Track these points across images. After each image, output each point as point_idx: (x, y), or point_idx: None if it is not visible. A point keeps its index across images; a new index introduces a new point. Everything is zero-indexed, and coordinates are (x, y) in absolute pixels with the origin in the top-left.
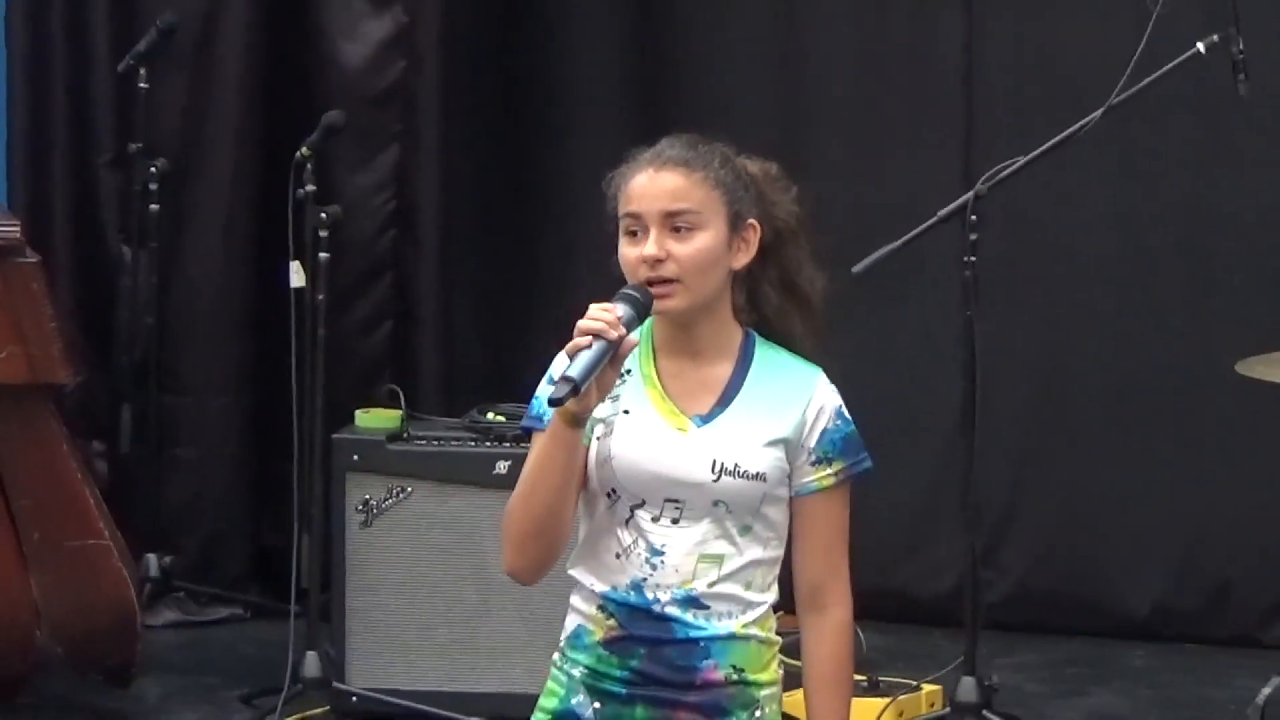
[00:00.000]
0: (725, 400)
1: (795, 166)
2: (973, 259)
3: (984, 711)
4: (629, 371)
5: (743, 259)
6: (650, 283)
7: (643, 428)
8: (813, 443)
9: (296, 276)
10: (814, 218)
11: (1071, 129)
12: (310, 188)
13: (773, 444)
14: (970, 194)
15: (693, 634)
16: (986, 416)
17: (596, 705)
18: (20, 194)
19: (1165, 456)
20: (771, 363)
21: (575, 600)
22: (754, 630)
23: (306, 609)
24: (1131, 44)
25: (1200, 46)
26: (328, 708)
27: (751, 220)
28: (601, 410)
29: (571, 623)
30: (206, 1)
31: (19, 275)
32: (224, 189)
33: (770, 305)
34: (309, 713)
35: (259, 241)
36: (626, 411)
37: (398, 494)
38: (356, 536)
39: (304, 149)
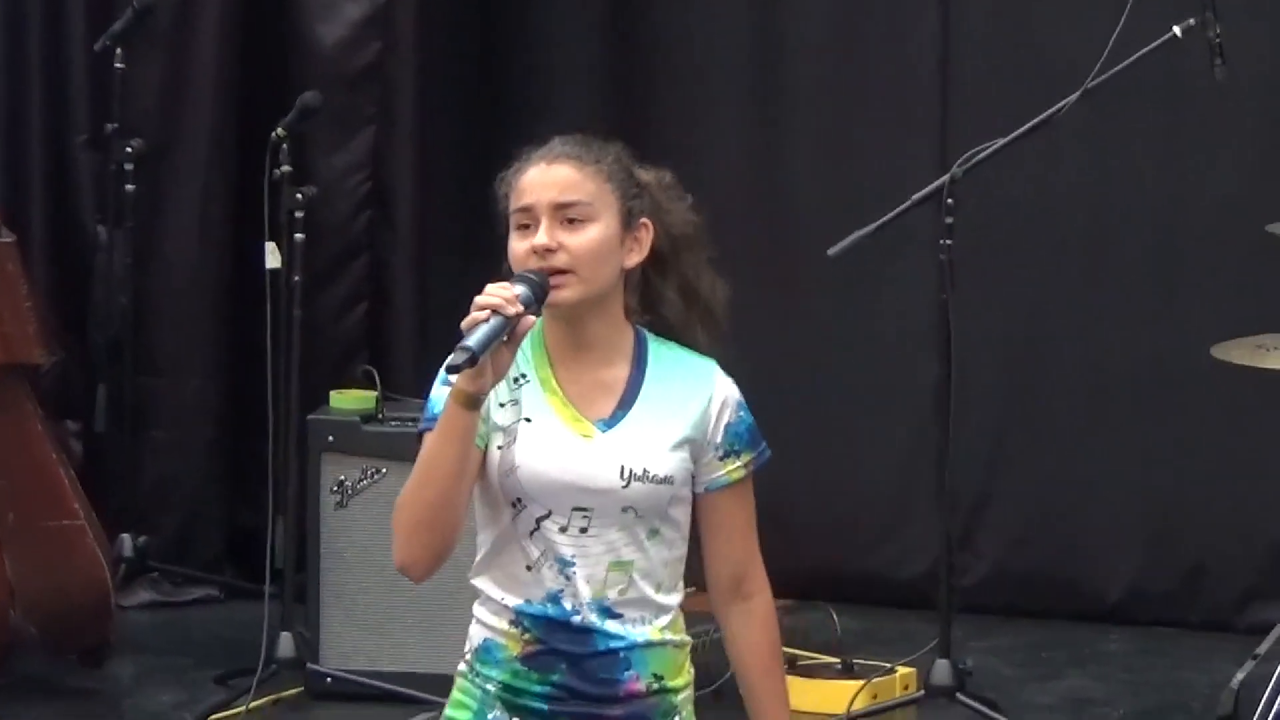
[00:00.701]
0: (626, 403)
1: (771, 149)
2: (948, 242)
3: (958, 694)
4: (525, 377)
5: (634, 258)
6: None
7: (547, 435)
8: (719, 438)
9: (272, 257)
10: (710, 227)
11: (1047, 112)
12: (286, 169)
13: (678, 445)
14: (946, 177)
15: (613, 644)
16: (961, 400)
17: None
18: None
19: (1140, 440)
20: (667, 360)
21: (481, 613)
22: (669, 635)
23: (281, 590)
24: (1108, 27)
25: (1177, 30)
26: (302, 688)
27: (644, 220)
28: (502, 418)
29: (478, 635)
30: None
31: None
32: (200, 170)
33: (674, 311)
34: (283, 693)
35: (235, 222)
36: (528, 419)
37: (372, 475)
38: (331, 517)
39: (279, 130)
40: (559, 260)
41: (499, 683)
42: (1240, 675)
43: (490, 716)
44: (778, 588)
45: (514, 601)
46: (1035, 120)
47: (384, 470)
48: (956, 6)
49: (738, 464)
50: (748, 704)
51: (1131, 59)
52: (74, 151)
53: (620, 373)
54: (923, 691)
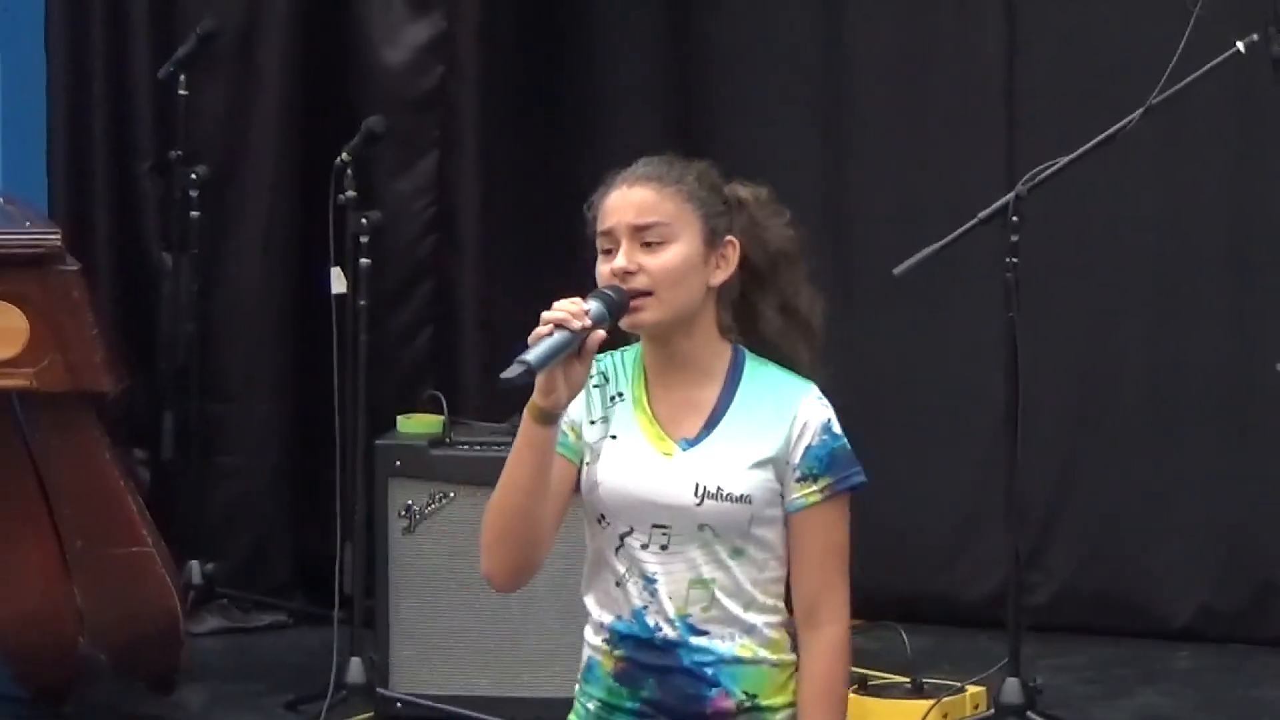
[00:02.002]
0: (712, 423)
1: (836, 167)
2: (1014, 260)
3: (1028, 713)
4: (621, 395)
5: (720, 276)
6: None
7: (628, 453)
8: (797, 459)
9: (338, 283)
10: (807, 241)
11: (1111, 129)
12: (351, 193)
13: (759, 465)
14: (1011, 195)
15: (697, 659)
16: (1030, 418)
17: None
18: (61, 201)
19: (1209, 457)
20: (761, 380)
21: (586, 631)
22: (764, 654)
23: (350, 615)
24: (1172, 43)
25: (1240, 45)
26: (372, 714)
27: (730, 238)
28: (591, 435)
29: (585, 655)
30: (246, 7)
31: (60, 283)
32: (264, 195)
33: (772, 328)
34: (353, 719)
35: (300, 248)
36: (614, 436)
37: (440, 499)
38: (399, 542)
39: (344, 154)
40: (638, 282)
41: (598, 700)
42: None
43: None
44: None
45: (607, 618)
46: (1099, 138)
47: (452, 495)
48: (1023, 24)
49: (814, 488)
50: None
51: (1194, 75)
52: (139, 178)
53: (711, 393)
54: (993, 710)
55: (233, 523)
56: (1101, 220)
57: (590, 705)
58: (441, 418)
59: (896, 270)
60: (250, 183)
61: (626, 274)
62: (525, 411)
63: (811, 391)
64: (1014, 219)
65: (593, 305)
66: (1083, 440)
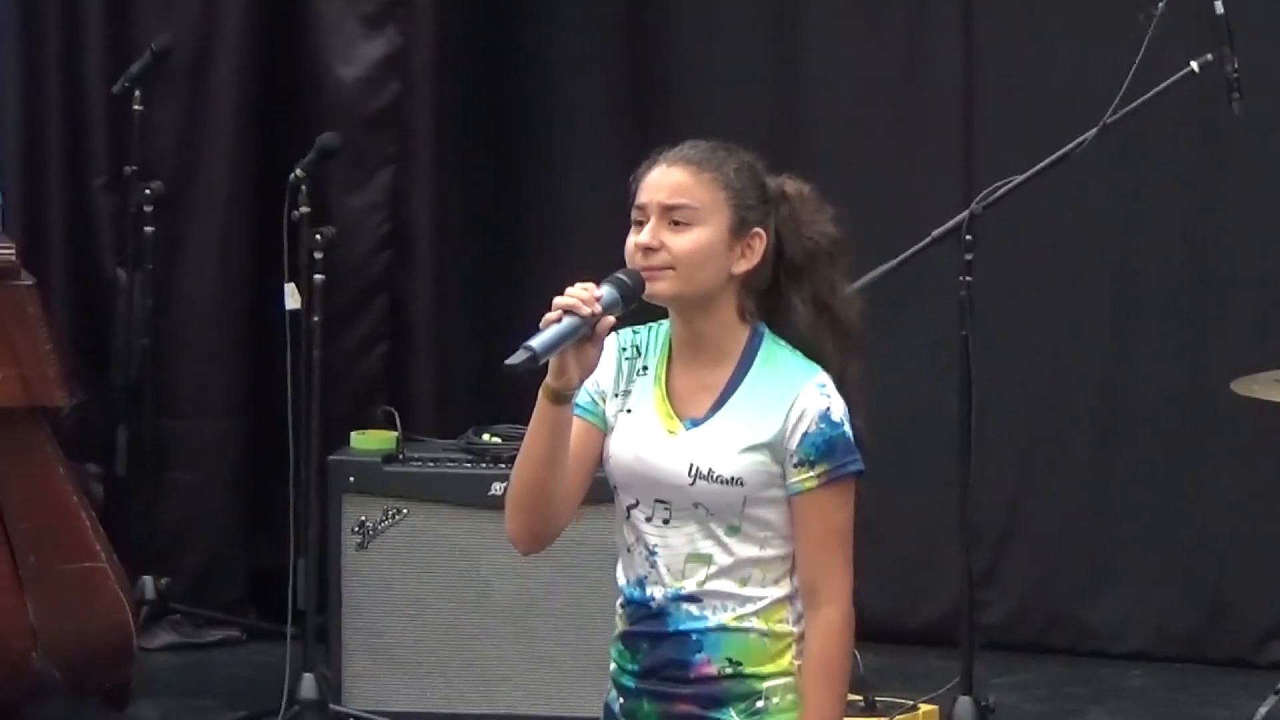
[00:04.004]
0: (719, 403)
1: None
2: (968, 279)
3: None
4: (646, 369)
5: (744, 265)
6: (643, 275)
7: (638, 428)
8: (794, 445)
9: (292, 299)
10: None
11: (1066, 148)
12: (305, 209)
13: (752, 449)
14: (965, 214)
15: (684, 627)
16: (984, 436)
17: (621, 700)
18: (15, 216)
19: (1163, 476)
20: (773, 363)
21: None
22: (752, 623)
23: (303, 631)
24: (1127, 63)
25: (1194, 65)
26: None
27: (758, 230)
28: (613, 407)
29: None
30: (201, 24)
31: (14, 298)
32: (219, 211)
33: (802, 320)
34: None
35: (254, 264)
36: (629, 411)
37: (393, 515)
38: (353, 558)
39: (299, 171)
40: (659, 259)
41: (614, 663)
42: (1263, 710)
43: (610, 696)
44: None
45: (621, 582)
46: (1054, 156)
47: (405, 510)
48: (979, 43)
49: (810, 474)
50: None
51: (1149, 94)
52: (93, 194)
53: (724, 374)
54: None
55: (186, 538)
56: (1056, 239)
57: (612, 665)
58: (395, 434)
59: (851, 287)
60: (204, 199)
61: (649, 250)
62: (540, 391)
63: (815, 378)
64: (968, 237)
65: (604, 291)
66: (1037, 459)
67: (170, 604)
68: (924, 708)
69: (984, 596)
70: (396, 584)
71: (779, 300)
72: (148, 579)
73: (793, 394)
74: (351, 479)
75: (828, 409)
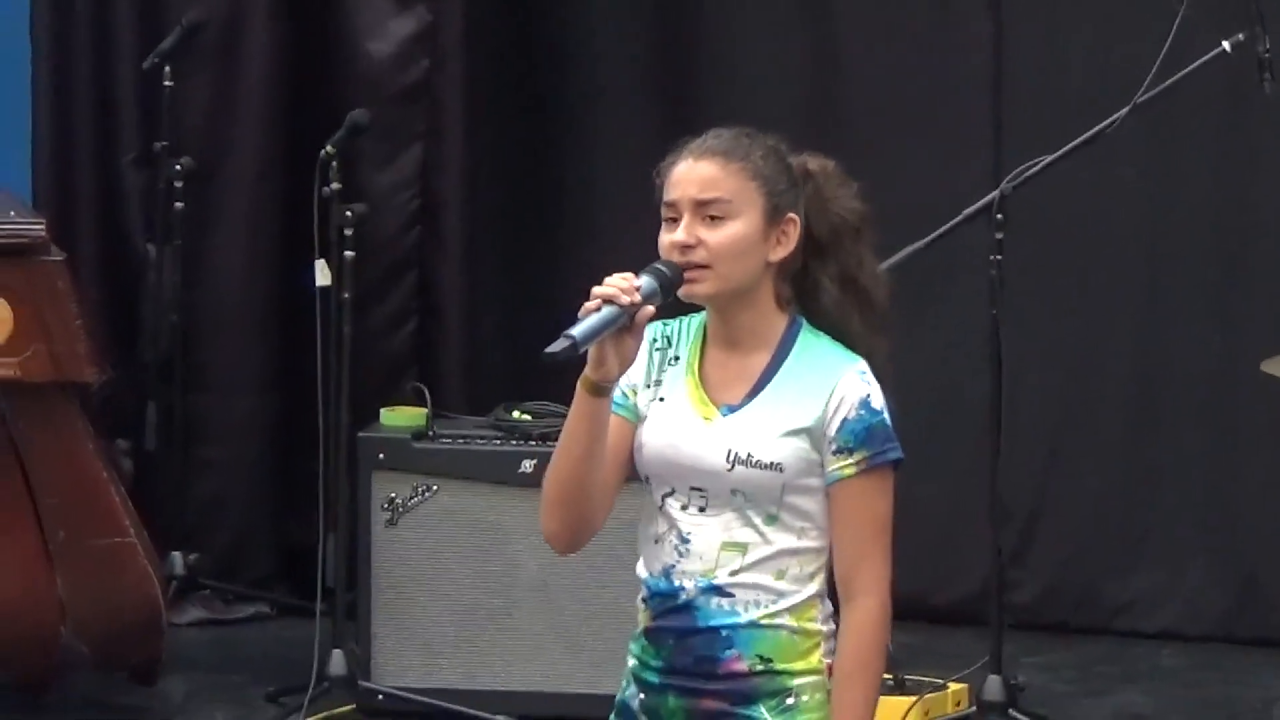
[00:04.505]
0: (756, 390)
1: None
2: (999, 258)
3: (1010, 710)
4: (677, 359)
5: (780, 252)
6: (683, 268)
7: (673, 416)
8: (833, 432)
9: (321, 275)
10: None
11: (1097, 128)
12: (335, 186)
13: (793, 434)
14: (995, 193)
15: (714, 623)
16: (1014, 415)
17: (641, 696)
18: (45, 192)
19: (1193, 455)
20: (810, 351)
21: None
22: (784, 620)
23: (332, 607)
24: (1159, 42)
25: (1226, 45)
26: (353, 706)
27: (791, 215)
28: (644, 398)
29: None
30: (231, 0)
31: (44, 273)
32: (249, 187)
33: (830, 298)
34: (335, 711)
35: (284, 240)
36: (661, 399)
37: (423, 492)
38: (382, 535)
39: (329, 147)
40: (697, 256)
41: (634, 658)
42: None
43: (628, 692)
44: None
45: (644, 574)
46: (1084, 136)
47: (435, 487)
48: (1010, 20)
49: (849, 461)
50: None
51: (1180, 74)
52: (123, 170)
53: (761, 361)
54: (974, 708)
55: (215, 514)
56: (1087, 218)
57: (630, 663)
58: (425, 410)
59: (882, 266)
60: (234, 175)
61: (686, 247)
62: (578, 383)
63: (855, 366)
64: (998, 216)
65: (644, 281)
66: (1066, 438)
67: (200, 580)
68: (953, 686)
69: (1013, 575)
70: (426, 561)
71: (805, 280)
72: (177, 555)
73: (833, 380)
74: (381, 455)
75: (868, 396)
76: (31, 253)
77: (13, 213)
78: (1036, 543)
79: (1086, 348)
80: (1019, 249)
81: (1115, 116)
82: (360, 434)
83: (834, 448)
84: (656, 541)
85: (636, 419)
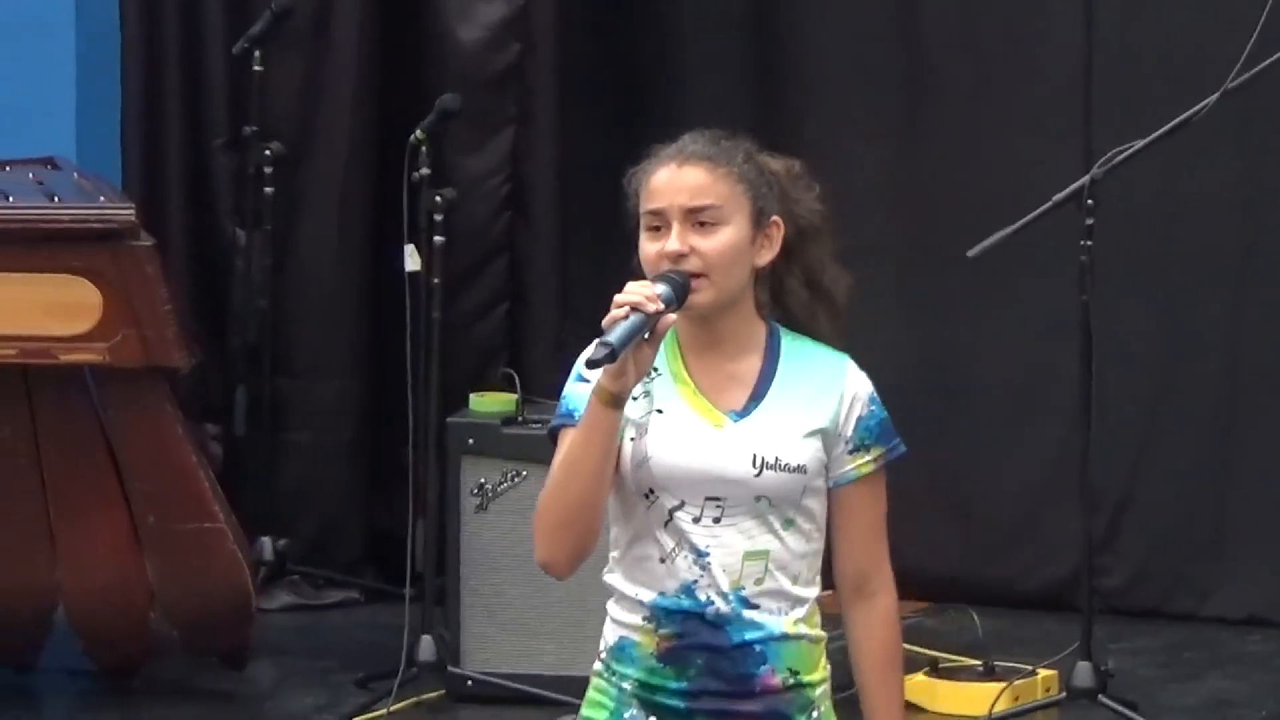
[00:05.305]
0: (759, 394)
1: (912, 149)
2: (1089, 243)
3: (1100, 696)
4: (656, 370)
5: (766, 256)
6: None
7: (679, 426)
8: (849, 431)
9: (411, 260)
10: (850, 226)
11: (1187, 113)
12: (425, 171)
13: (811, 435)
14: (1086, 178)
15: (749, 636)
16: (1105, 400)
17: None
18: (135, 177)
19: None
20: (800, 353)
21: (615, 610)
22: (804, 629)
23: (421, 592)
24: (1251, 27)
25: None
26: (443, 691)
27: (775, 218)
28: (633, 411)
29: (612, 633)
30: None
31: (134, 258)
32: (338, 172)
33: (797, 301)
34: (424, 696)
35: (373, 225)
36: (660, 411)
37: (512, 478)
38: (471, 520)
39: (419, 132)
40: (691, 264)
41: (635, 680)
42: None
43: (627, 715)
44: (918, 590)
45: (648, 596)
46: (1175, 121)
47: (524, 473)
48: (1101, 4)
49: (867, 458)
50: (862, 703)
51: (1272, 59)
52: (212, 154)
53: (752, 365)
54: (1064, 693)
55: (304, 499)
56: (1178, 203)
57: (625, 685)
58: (514, 396)
59: (971, 252)
60: (324, 159)
61: (679, 256)
62: (593, 396)
63: (850, 362)
64: (1089, 202)
65: (662, 288)
66: (1157, 423)
67: (288, 565)
68: (1043, 672)
69: (1102, 561)
70: (515, 546)
71: (774, 283)
72: (266, 540)
73: (839, 378)
74: (470, 441)
75: (872, 391)
76: (121, 238)
77: (103, 198)
78: (1126, 528)
79: (1178, 332)
80: (1108, 234)
81: (1205, 102)
82: (449, 419)
83: (850, 446)
84: (662, 560)
85: (620, 436)
